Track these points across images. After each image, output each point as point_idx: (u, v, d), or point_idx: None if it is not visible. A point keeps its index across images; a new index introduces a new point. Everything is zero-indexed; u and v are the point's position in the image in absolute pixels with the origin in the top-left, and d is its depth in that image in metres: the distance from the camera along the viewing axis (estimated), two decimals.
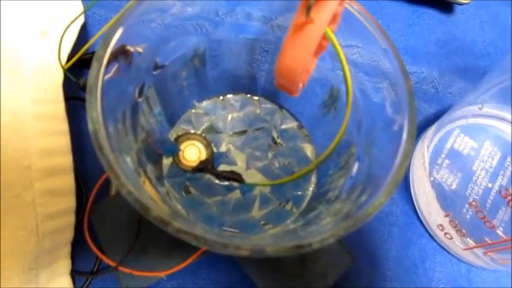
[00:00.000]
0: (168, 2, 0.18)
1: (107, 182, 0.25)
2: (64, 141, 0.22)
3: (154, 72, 0.19)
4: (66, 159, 0.22)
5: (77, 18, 0.22)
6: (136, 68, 0.18)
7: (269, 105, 0.25)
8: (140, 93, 0.18)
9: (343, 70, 0.18)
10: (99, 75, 0.15)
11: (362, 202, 0.15)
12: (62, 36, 0.20)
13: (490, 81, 0.25)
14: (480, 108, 0.27)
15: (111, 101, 0.15)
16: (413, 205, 0.28)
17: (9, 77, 0.21)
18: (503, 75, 0.25)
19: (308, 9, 0.16)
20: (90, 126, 0.14)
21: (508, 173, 0.28)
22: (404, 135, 0.16)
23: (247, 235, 0.21)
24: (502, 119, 0.29)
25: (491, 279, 0.27)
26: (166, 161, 0.22)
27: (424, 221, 0.27)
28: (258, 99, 0.25)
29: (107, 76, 0.16)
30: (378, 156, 0.17)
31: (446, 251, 0.27)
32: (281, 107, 0.25)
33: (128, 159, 0.15)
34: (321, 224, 0.16)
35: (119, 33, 0.16)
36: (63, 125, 0.22)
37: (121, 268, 0.22)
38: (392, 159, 0.15)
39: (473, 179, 0.28)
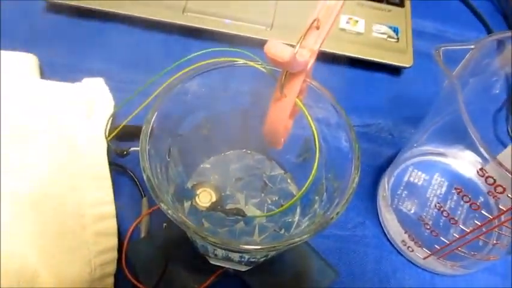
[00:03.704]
0: (187, 86, 0.26)
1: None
2: (109, 194, 0.29)
3: (177, 139, 0.27)
4: (111, 208, 0.29)
5: (114, 113, 0.31)
6: (165, 137, 0.25)
7: (259, 156, 0.32)
8: (169, 155, 0.26)
9: (311, 128, 0.25)
10: (146, 144, 0.22)
11: (328, 214, 0.22)
12: (109, 120, 0.28)
13: (426, 124, 0.33)
14: (416, 147, 0.34)
15: (152, 160, 0.23)
16: (382, 228, 0.35)
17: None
18: (434, 118, 0.33)
19: (281, 88, 0.24)
20: (145, 175, 0.21)
21: (454, 197, 0.35)
22: (352, 169, 0.23)
23: None
24: (443, 154, 0.37)
25: (449, 283, 0.33)
26: (186, 204, 0.29)
27: (391, 240, 0.34)
28: (250, 153, 0.33)
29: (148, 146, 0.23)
30: (339, 184, 0.24)
31: (412, 262, 0.34)
32: (269, 157, 0.33)
33: (169, 199, 0.22)
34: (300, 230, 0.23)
35: (154, 116, 0.24)
36: (109, 183, 0.29)
37: None
38: (346, 185, 0.23)
39: (428, 203, 0.35)
